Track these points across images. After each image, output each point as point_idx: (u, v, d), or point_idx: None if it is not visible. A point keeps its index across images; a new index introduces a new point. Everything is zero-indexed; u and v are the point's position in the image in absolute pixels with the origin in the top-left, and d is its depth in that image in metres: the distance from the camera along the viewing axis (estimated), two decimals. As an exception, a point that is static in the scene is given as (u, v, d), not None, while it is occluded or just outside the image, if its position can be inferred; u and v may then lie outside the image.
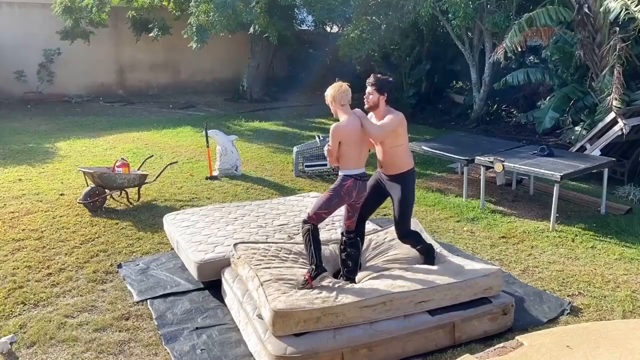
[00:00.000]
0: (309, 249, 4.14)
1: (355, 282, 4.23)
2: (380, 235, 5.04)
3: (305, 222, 4.17)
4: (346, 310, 3.74)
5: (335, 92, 4.15)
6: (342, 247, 4.33)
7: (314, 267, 4.08)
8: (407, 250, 4.69)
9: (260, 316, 3.84)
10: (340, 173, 4.19)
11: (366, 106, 4.41)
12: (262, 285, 3.94)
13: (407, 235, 4.49)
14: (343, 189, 4.13)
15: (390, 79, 4.53)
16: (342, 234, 4.37)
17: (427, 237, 4.84)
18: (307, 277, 4.06)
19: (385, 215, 6.80)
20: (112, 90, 17.59)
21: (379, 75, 4.40)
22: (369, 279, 4.25)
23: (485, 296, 4.13)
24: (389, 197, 4.52)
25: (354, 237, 4.32)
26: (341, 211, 4.37)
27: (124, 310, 4.48)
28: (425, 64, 14.83)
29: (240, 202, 6.50)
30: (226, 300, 4.51)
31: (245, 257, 4.38)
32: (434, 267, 4.35)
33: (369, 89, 4.36)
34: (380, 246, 4.85)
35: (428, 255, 4.55)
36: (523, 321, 4.26)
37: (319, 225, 4.20)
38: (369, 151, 4.42)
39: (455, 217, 6.78)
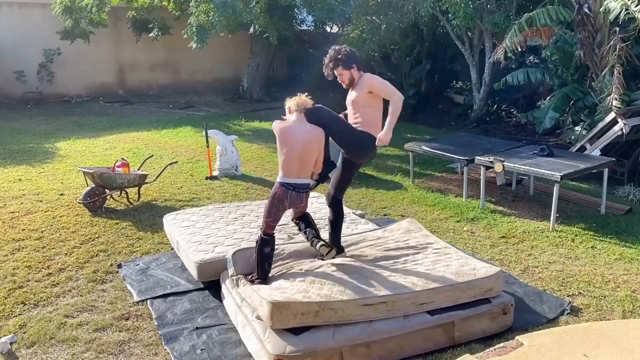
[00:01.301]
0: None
1: (267, 283, 4.10)
2: (377, 232, 5.05)
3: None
4: (345, 306, 3.73)
5: (296, 100, 4.20)
6: (259, 246, 4.18)
7: (256, 277, 4.14)
8: (398, 245, 4.71)
9: (259, 317, 3.83)
10: (277, 179, 4.12)
11: (345, 86, 4.41)
12: (256, 291, 3.95)
13: (337, 203, 4.48)
14: (275, 197, 4.12)
15: (348, 48, 4.37)
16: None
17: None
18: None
19: (385, 215, 6.81)
20: (112, 90, 17.58)
21: (333, 53, 4.31)
22: (366, 274, 4.24)
23: (485, 297, 4.12)
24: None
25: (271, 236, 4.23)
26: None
27: (124, 310, 4.48)
28: (425, 64, 14.83)
29: (240, 202, 6.50)
30: (224, 302, 4.50)
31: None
32: (435, 267, 4.32)
33: (335, 72, 4.32)
34: (376, 241, 4.87)
35: (335, 227, 4.54)
36: (523, 321, 4.25)
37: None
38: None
39: (455, 217, 6.78)
